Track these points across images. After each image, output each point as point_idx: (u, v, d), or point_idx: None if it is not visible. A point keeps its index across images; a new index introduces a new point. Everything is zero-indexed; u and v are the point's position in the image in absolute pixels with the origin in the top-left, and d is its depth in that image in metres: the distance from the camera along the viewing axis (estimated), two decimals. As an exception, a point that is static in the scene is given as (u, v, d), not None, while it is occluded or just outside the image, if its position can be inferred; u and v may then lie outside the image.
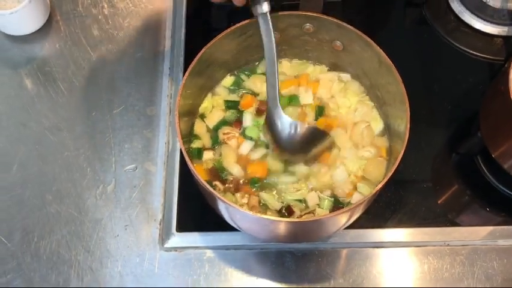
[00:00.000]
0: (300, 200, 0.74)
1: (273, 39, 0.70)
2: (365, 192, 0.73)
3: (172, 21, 0.98)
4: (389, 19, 1.01)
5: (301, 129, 0.74)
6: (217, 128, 0.79)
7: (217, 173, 0.76)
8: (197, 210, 0.83)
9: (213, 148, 0.78)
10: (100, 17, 0.99)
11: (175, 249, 0.81)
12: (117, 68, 0.95)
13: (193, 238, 0.82)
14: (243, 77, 0.83)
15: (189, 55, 0.92)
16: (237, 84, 0.82)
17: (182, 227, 0.82)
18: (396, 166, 0.63)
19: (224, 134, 0.78)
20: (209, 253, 0.81)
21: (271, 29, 0.70)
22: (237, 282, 0.79)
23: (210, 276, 0.80)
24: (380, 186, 0.63)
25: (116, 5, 1.01)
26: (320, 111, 0.80)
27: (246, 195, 0.74)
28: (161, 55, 0.96)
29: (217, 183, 0.75)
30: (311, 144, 0.75)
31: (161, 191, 0.85)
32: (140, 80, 0.94)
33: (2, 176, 0.86)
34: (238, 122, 0.79)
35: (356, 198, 0.73)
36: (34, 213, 0.84)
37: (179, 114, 0.68)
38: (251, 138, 0.78)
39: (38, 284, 0.79)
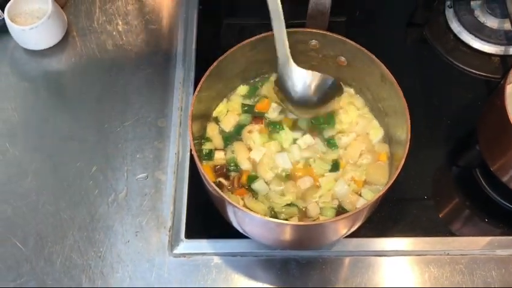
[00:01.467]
0: (289, 205, 0.76)
1: None
2: (369, 197, 0.76)
3: (183, 38, 1.03)
4: (390, 38, 1.06)
5: (315, 78, 0.75)
6: (237, 131, 0.82)
7: (225, 169, 0.79)
8: (205, 218, 0.86)
9: (223, 149, 0.81)
10: (114, 33, 1.04)
11: (184, 255, 0.84)
12: (130, 81, 0.99)
13: (201, 245, 0.84)
14: (257, 85, 0.86)
15: (199, 70, 0.97)
16: (252, 92, 0.85)
17: (191, 234, 0.85)
18: (399, 170, 0.66)
19: (249, 132, 0.81)
20: (216, 259, 0.84)
21: None
22: (243, 287, 0.82)
23: (217, 281, 0.82)
24: (383, 191, 0.66)
25: (130, 22, 1.05)
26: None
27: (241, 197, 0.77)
28: (172, 70, 1.00)
29: (222, 179, 0.78)
30: (324, 94, 0.76)
31: (171, 199, 0.88)
32: (152, 93, 0.98)
33: (18, 183, 0.90)
34: (257, 118, 0.83)
35: (360, 203, 0.75)
36: (48, 219, 0.87)
37: (193, 115, 0.71)
38: (277, 126, 0.82)
39: (50, 286, 0.82)
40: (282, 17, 0.71)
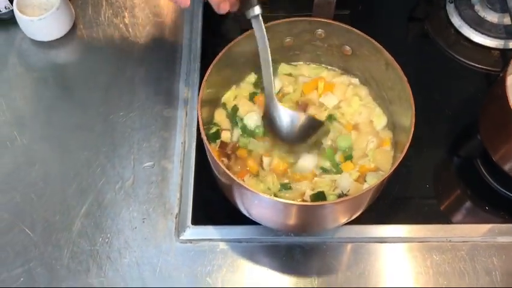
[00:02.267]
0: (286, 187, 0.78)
1: (266, 40, 0.74)
2: (373, 183, 0.77)
3: (189, 30, 1.05)
4: (392, 32, 1.07)
5: (299, 118, 0.79)
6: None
7: (229, 148, 0.81)
8: (211, 205, 0.87)
9: (230, 129, 0.83)
10: (121, 25, 1.06)
11: (190, 241, 0.85)
12: (136, 73, 1.00)
13: (208, 231, 0.86)
14: None
15: (205, 61, 0.99)
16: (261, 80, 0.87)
17: (197, 221, 0.86)
18: (404, 154, 0.68)
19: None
20: (222, 245, 0.85)
21: (264, 30, 0.73)
22: (248, 273, 0.83)
23: (223, 267, 0.83)
24: (388, 174, 0.68)
25: (137, 15, 1.07)
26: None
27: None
28: (178, 61, 1.01)
29: (224, 159, 0.80)
30: (308, 132, 0.80)
31: (178, 187, 0.89)
32: (158, 84, 0.99)
33: (26, 171, 0.91)
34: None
35: (364, 187, 0.77)
36: (56, 206, 0.88)
37: (202, 100, 0.73)
38: None
39: (58, 271, 0.83)
40: (270, 62, 0.76)
